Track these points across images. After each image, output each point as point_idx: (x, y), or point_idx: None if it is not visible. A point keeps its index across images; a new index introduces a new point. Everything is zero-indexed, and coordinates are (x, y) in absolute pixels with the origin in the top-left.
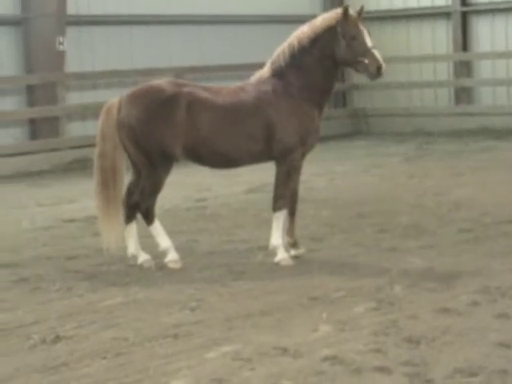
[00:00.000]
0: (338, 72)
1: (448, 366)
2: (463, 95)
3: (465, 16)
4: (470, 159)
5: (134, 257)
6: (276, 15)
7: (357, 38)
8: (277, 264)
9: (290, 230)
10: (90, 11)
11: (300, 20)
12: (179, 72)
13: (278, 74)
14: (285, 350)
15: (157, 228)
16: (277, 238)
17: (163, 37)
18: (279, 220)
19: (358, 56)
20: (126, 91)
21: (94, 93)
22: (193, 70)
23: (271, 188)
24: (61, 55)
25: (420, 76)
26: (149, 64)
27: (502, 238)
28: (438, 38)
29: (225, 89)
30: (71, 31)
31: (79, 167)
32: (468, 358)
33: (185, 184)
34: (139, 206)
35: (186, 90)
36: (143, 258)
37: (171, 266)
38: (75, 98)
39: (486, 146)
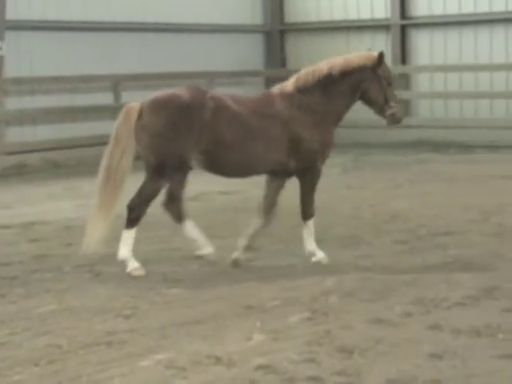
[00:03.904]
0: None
1: (380, 376)
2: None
3: (404, 29)
4: (408, 171)
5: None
6: (217, 24)
7: (391, 85)
8: (316, 263)
9: (252, 235)
10: (30, 16)
11: (241, 30)
12: (119, 79)
13: (302, 90)
14: (218, 359)
15: (130, 236)
16: (311, 243)
17: (104, 43)
18: (310, 227)
19: (390, 101)
20: (148, 96)
21: (32, 98)
22: (133, 77)
23: (210, 197)
24: None
25: None
26: (88, 70)
27: (437, 250)
28: (378, 50)
29: (247, 98)
30: (10, 36)
31: (16, 173)
32: (400, 368)
33: (125, 192)
34: (131, 208)
35: (209, 97)
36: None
37: (136, 273)
38: (13, 104)
39: (424, 159)
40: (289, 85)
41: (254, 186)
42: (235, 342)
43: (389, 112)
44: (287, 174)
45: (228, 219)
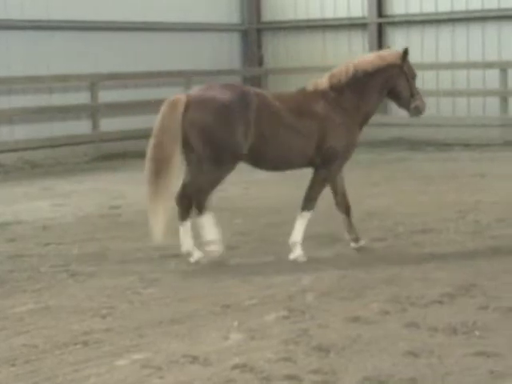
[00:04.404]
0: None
1: (357, 374)
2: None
3: (381, 27)
4: (385, 169)
5: (189, 254)
6: (194, 23)
7: (415, 78)
8: (293, 260)
9: (349, 228)
10: (7, 15)
11: (218, 28)
12: (96, 78)
13: (336, 88)
14: (195, 358)
15: (207, 220)
16: (298, 235)
17: (81, 43)
18: (305, 219)
19: (414, 94)
20: (192, 89)
21: (8, 98)
22: (111, 76)
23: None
24: None
25: None
26: (66, 70)
27: (414, 248)
28: (354, 48)
29: (284, 95)
30: None
31: None
32: (377, 366)
33: (99, 191)
34: (193, 199)
35: (253, 94)
36: (198, 255)
37: (212, 254)
38: None
39: (401, 157)
40: (323, 82)
41: (233, 185)
42: (212, 342)
43: (413, 105)
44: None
45: None
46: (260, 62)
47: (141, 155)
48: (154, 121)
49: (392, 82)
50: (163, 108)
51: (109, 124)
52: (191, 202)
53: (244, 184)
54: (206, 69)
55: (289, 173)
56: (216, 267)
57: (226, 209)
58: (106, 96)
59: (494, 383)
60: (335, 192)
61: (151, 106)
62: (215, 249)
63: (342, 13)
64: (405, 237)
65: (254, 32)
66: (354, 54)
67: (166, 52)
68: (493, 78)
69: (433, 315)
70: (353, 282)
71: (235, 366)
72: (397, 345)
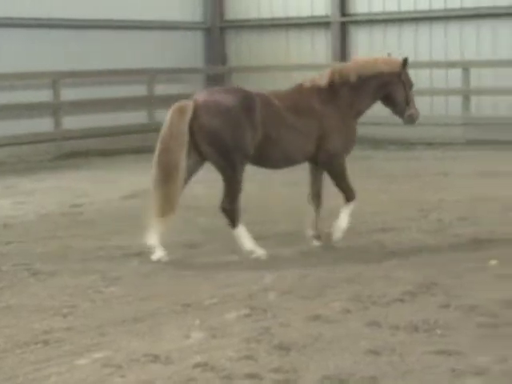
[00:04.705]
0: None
1: (318, 372)
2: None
3: (344, 26)
4: (347, 168)
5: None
6: (157, 21)
7: (411, 88)
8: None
9: (314, 223)
10: None
11: (181, 27)
12: (58, 76)
13: (333, 87)
14: (156, 357)
15: (242, 231)
16: (343, 222)
17: (42, 40)
18: (350, 208)
19: (410, 103)
20: (196, 95)
21: None
22: (73, 74)
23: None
24: None
25: None
26: (26, 68)
27: (375, 246)
28: (317, 47)
29: (284, 93)
30: None
31: None
32: (338, 365)
33: (61, 189)
34: (223, 209)
35: (256, 96)
36: (160, 253)
37: (262, 257)
38: None
39: (363, 155)
40: (321, 80)
41: (197, 183)
42: (173, 340)
43: (408, 113)
44: (316, 163)
45: None
46: (223, 61)
47: (103, 153)
48: (119, 119)
49: (389, 88)
50: (171, 114)
51: (71, 122)
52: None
53: (209, 182)
54: (169, 67)
55: (252, 172)
56: (178, 266)
57: (190, 207)
58: (69, 94)
59: (454, 381)
60: (312, 185)
61: (113, 103)
62: (260, 254)
63: (305, 12)
64: (367, 235)
65: (218, 30)
66: (317, 53)
67: (129, 50)
68: (455, 77)
69: (394, 314)
70: (314, 280)
71: (196, 365)
72: (358, 343)
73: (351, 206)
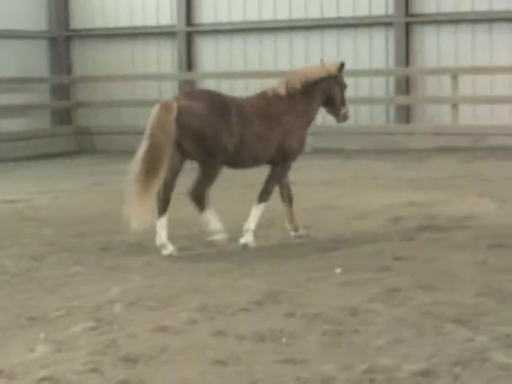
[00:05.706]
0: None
1: None
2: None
3: (190, 36)
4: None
5: (164, 246)
6: (1, 30)
7: (345, 89)
8: (244, 246)
9: (290, 218)
10: None
11: (24, 36)
12: None
13: (291, 94)
14: (0, 372)
15: (209, 214)
16: (252, 222)
17: None
18: (260, 210)
19: (343, 103)
20: (175, 97)
21: None
22: None
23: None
24: None
25: (145, 94)
26: None
27: (221, 257)
28: (164, 57)
29: (251, 99)
30: None
31: None
32: (184, 376)
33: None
34: (193, 195)
35: (229, 98)
36: (170, 249)
37: (220, 242)
38: None
39: None
40: (280, 88)
41: (41, 194)
42: (17, 354)
43: (342, 112)
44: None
45: (13, 228)
46: (68, 70)
47: None
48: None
49: (330, 91)
50: (157, 111)
51: None
52: (170, 199)
53: (53, 193)
54: (12, 76)
55: (90, 181)
56: (22, 278)
57: (34, 219)
58: None
59: None
60: (281, 186)
61: None
62: (222, 237)
63: (151, 21)
64: (212, 245)
65: (63, 39)
66: (163, 63)
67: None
68: None
69: (241, 323)
70: (161, 291)
71: (42, 379)
72: (205, 354)
73: (262, 208)
